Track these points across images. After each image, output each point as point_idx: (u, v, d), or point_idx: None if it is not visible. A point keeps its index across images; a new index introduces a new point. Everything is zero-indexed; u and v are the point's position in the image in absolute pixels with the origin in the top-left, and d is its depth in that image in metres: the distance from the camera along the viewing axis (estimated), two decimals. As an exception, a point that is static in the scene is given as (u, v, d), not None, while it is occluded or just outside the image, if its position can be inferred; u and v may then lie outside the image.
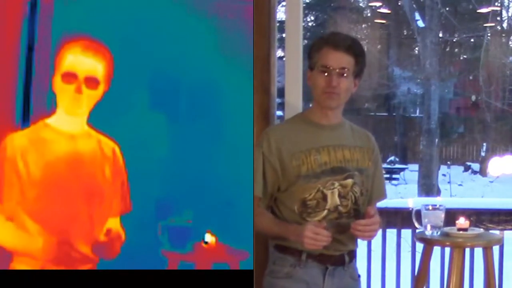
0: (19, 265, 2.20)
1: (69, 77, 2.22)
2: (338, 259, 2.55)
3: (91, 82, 2.23)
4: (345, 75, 2.47)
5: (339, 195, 2.51)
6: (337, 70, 2.46)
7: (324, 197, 2.49)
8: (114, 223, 2.35)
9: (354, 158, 2.56)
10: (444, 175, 15.61)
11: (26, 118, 3.21)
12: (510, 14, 17.59)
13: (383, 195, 2.72)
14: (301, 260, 2.50)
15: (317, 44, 2.54)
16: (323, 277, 2.53)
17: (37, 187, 2.19)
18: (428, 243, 3.07)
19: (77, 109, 2.24)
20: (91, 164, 2.29)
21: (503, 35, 16.74)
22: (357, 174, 2.55)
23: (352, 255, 2.63)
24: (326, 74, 2.47)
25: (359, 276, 2.67)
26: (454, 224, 3.06)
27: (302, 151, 2.50)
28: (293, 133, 2.55)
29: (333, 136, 2.55)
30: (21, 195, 2.18)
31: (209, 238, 3.53)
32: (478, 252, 3.22)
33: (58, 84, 2.24)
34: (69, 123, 2.27)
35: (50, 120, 2.28)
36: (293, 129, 2.58)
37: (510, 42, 16.66)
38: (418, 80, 17.23)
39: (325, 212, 2.50)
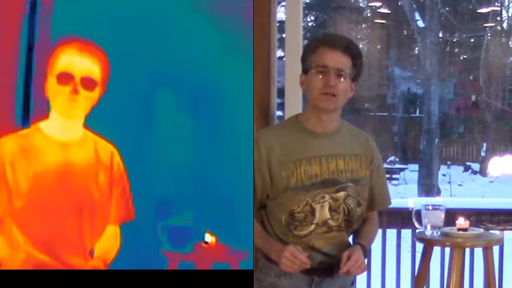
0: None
1: (65, 77, 2.12)
2: (326, 270, 2.42)
3: (88, 82, 2.14)
4: (342, 77, 2.34)
5: (330, 209, 2.38)
6: (335, 70, 2.34)
7: (313, 211, 2.37)
8: (112, 231, 2.30)
9: (349, 168, 2.42)
10: (444, 175, 15.62)
11: (26, 118, 3.20)
12: (510, 14, 17.60)
13: (387, 203, 2.59)
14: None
15: (312, 45, 2.40)
16: None
17: (24, 198, 2.11)
18: (428, 243, 3.07)
19: (74, 110, 2.15)
20: (84, 174, 2.20)
21: (503, 35, 16.74)
22: (351, 185, 2.41)
23: None
24: (322, 74, 2.34)
25: (353, 283, 2.55)
26: (454, 224, 3.07)
27: (292, 161, 2.37)
28: (284, 141, 2.41)
29: (327, 145, 2.41)
30: (9, 202, 2.11)
31: (209, 238, 3.54)
32: (478, 252, 3.23)
33: (52, 86, 2.14)
34: (63, 129, 2.18)
35: (43, 125, 2.19)
36: (284, 136, 2.43)
37: (510, 42, 16.66)
38: (418, 80, 17.24)
39: (313, 226, 2.38)
